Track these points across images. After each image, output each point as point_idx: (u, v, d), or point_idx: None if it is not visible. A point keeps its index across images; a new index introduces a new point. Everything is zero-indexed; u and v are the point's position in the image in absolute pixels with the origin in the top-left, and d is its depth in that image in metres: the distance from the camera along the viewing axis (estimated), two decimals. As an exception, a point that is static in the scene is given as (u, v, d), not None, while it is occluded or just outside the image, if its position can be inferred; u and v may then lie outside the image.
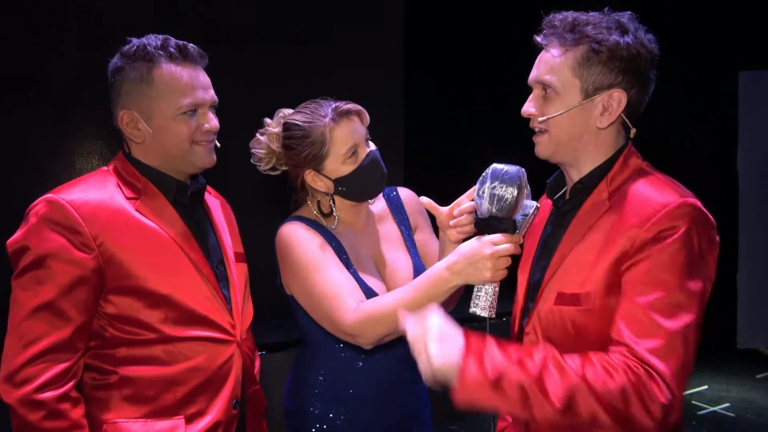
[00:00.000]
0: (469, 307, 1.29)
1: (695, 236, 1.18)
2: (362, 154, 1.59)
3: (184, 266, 1.41)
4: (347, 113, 1.58)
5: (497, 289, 1.28)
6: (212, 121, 1.45)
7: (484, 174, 1.26)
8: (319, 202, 1.65)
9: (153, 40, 1.42)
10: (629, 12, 1.30)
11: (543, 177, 1.46)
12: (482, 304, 1.27)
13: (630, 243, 1.18)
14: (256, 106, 1.95)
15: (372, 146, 1.62)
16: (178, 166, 1.46)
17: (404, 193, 1.78)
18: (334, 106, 1.58)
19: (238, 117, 2.08)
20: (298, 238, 1.55)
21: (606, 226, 1.24)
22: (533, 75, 1.33)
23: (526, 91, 1.37)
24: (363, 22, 4.57)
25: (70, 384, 1.31)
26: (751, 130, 4.95)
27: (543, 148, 1.33)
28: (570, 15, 1.29)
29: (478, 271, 1.26)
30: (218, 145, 1.52)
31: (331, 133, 1.56)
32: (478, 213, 1.28)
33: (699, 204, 1.21)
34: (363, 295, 1.48)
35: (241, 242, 1.66)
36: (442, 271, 1.31)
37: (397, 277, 1.64)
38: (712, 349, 5.21)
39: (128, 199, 1.39)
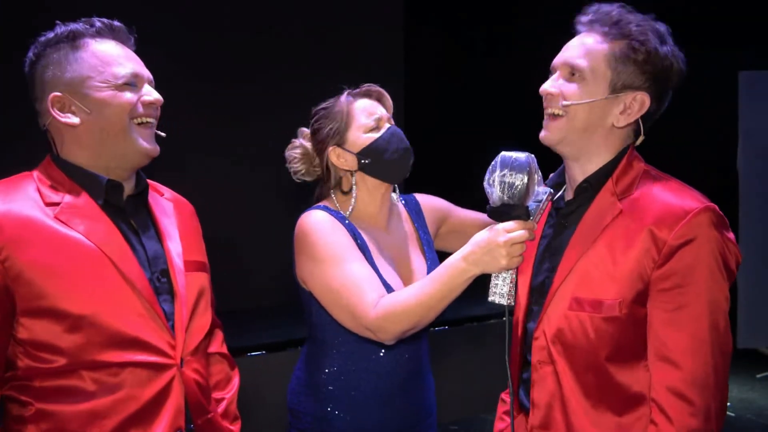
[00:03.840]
0: (487, 296, 1.30)
1: (722, 241, 1.21)
2: (383, 126, 1.62)
3: (111, 280, 1.22)
4: (367, 92, 1.65)
5: (514, 276, 1.29)
6: (154, 93, 1.30)
7: (493, 162, 1.25)
8: (340, 180, 1.65)
9: (74, 23, 1.29)
10: (665, 25, 1.34)
11: (549, 169, 1.45)
12: (500, 292, 1.28)
13: (656, 248, 1.19)
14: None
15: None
16: (118, 152, 1.27)
17: (422, 198, 1.80)
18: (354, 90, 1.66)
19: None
20: (322, 229, 1.53)
21: (622, 230, 1.24)
22: (564, 56, 1.32)
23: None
24: (363, 22, 4.57)
25: None
26: (751, 130, 4.95)
27: (555, 132, 1.31)
28: (616, 9, 1.31)
29: (493, 259, 1.26)
30: (162, 134, 1.36)
31: (351, 107, 1.62)
32: (490, 202, 1.28)
33: (717, 208, 1.24)
34: (384, 290, 1.47)
35: (205, 249, 1.50)
36: (459, 261, 1.32)
37: (413, 279, 1.63)
38: (712, 349, 5.23)
39: (48, 205, 1.21)
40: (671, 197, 1.24)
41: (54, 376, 1.19)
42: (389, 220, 1.68)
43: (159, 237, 1.36)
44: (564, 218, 1.37)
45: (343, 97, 1.64)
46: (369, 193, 1.63)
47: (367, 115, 1.61)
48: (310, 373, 1.64)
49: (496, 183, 1.24)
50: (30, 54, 1.30)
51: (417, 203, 1.78)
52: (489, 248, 1.26)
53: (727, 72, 5.07)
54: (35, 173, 1.28)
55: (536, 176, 1.25)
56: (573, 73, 1.30)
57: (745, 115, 4.95)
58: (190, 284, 1.36)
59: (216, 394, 1.46)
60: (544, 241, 1.41)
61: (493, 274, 1.29)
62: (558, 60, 1.33)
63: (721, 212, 1.24)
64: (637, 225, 1.22)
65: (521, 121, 1.91)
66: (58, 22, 1.31)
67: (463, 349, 3.95)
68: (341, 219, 1.58)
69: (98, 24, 1.29)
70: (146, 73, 1.32)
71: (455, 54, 5.42)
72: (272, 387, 3.00)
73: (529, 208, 1.26)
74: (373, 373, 1.58)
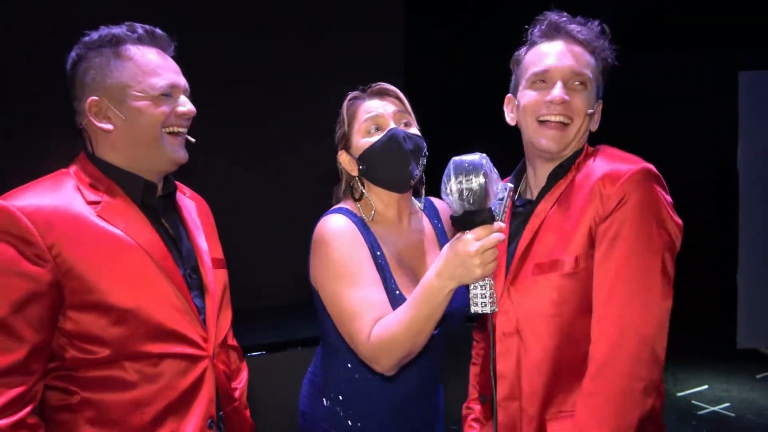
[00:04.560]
0: (470, 308, 1.25)
1: (657, 196, 1.30)
2: (385, 129, 1.52)
3: (152, 276, 1.28)
4: (378, 92, 1.56)
5: (492, 280, 1.23)
6: (187, 105, 1.34)
7: (446, 170, 1.20)
8: (351, 187, 1.59)
9: (117, 27, 1.33)
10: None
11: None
12: (482, 301, 1.22)
13: (601, 204, 1.28)
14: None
15: (410, 129, 1.54)
16: (149, 159, 1.32)
17: (438, 203, 1.72)
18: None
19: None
20: (341, 240, 1.44)
21: (573, 194, 1.34)
22: (569, 64, 1.36)
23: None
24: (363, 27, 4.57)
25: (26, 410, 1.18)
26: (751, 130, 4.95)
27: (562, 141, 1.37)
28: (596, 23, 1.41)
29: (468, 270, 1.21)
30: (192, 140, 1.40)
31: (356, 108, 1.55)
32: (452, 212, 1.23)
33: (654, 168, 1.32)
34: (388, 309, 1.40)
35: (221, 247, 1.54)
36: (433, 279, 1.26)
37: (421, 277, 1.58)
38: (712, 349, 5.23)
39: (89, 203, 1.26)
40: (615, 161, 1.33)
41: (98, 366, 1.24)
42: (409, 226, 1.60)
43: (188, 235, 1.43)
44: (524, 216, 1.41)
45: (348, 100, 1.58)
46: (380, 199, 1.56)
47: (367, 118, 1.52)
48: (323, 377, 1.59)
49: (454, 191, 1.18)
50: (72, 54, 1.33)
51: (435, 207, 1.70)
52: (461, 260, 1.20)
53: (727, 72, 5.07)
54: (72, 171, 1.32)
55: (493, 175, 1.19)
56: (581, 82, 1.36)
57: (745, 115, 4.95)
58: (217, 281, 1.43)
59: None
60: (513, 245, 1.44)
61: (471, 285, 1.23)
62: (560, 66, 1.36)
63: (658, 173, 1.31)
64: (585, 187, 1.32)
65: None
66: (101, 26, 1.35)
67: (463, 352, 3.94)
68: (362, 225, 1.50)
69: (140, 30, 1.33)
70: (182, 84, 1.35)
71: (456, 53, 5.42)
72: (273, 387, 3.00)
73: (493, 210, 1.21)
74: (385, 383, 1.52)
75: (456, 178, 1.17)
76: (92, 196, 1.27)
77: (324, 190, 1.72)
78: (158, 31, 1.36)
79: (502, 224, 1.22)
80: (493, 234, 1.19)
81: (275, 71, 4.27)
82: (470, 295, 1.24)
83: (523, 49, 1.48)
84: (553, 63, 1.37)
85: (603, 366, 1.25)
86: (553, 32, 1.41)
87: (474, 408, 1.60)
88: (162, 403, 1.28)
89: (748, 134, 4.95)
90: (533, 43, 1.45)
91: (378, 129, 1.52)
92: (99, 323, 1.22)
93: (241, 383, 1.55)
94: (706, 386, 4.53)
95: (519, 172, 1.55)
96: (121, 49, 1.30)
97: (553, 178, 1.41)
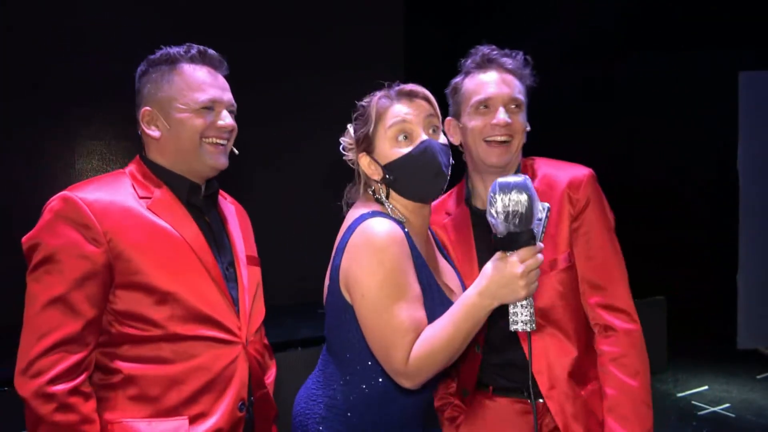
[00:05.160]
0: (509, 325, 1.26)
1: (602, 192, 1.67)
2: (416, 139, 1.42)
3: (192, 265, 1.42)
4: (408, 93, 1.44)
5: (532, 299, 1.26)
6: (227, 119, 1.48)
7: (491, 193, 1.21)
8: (373, 190, 1.49)
9: (176, 47, 1.49)
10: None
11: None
12: (522, 319, 1.24)
13: (572, 207, 1.61)
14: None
15: (440, 137, 1.47)
16: (190, 165, 1.48)
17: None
18: (396, 87, 1.46)
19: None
20: (396, 249, 1.35)
21: (546, 201, 1.54)
22: (507, 92, 1.62)
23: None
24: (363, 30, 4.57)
25: (82, 377, 1.32)
26: (751, 130, 4.95)
27: (508, 154, 1.62)
28: (520, 55, 1.68)
29: (513, 291, 1.22)
30: (236, 151, 1.55)
31: (383, 110, 1.43)
32: (495, 233, 1.23)
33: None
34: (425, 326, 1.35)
35: (256, 248, 1.66)
36: (476, 298, 1.26)
37: (451, 284, 1.54)
38: (712, 350, 5.23)
39: (141, 198, 1.42)
40: (567, 169, 1.66)
41: (141, 343, 1.37)
42: (427, 234, 1.56)
43: (227, 233, 1.57)
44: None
45: (376, 98, 1.45)
46: (407, 208, 1.48)
47: (394, 123, 1.42)
48: (338, 394, 1.46)
49: (500, 213, 1.20)
50: (138, 69, 1.50)
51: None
52: (506, 281, 1.22)
53: (727, 72, 5.07)
54: (128, 171, 1.49)
55: (535, 195, 1.21)
56: (516, 105, 1.63)
57: (745, 115, 4.96)
58: (251, 276, 1.56)
59: None
60: (478, 244, 1.67)
61: (512, 304, 1.24)
62: (500, 94, 1.62)
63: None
64: (556, 194, 1.62)
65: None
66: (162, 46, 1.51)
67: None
68: (403, 230, 1.41)
69: (193, 51, 1.48)
70: (226, 99, 1.50)
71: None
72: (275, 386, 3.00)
73: (534, 231, 1.23)
74: (413, 392, 1.43)
75: (502, 199, 1.19)
76: (144, 192, 1.44)
77: (325, 191, 1.71)
78: (210, 51, 1.51)
79: (542, 245, 1.25)
80: (537, 255, 1.23)
81: (275, 71, 4.27)
82: (510, 314, 1.25)
83: (459, 78, 1.71)
84: (494, 91, 1.62)
85: (627, 331, 1.58)
86: (486, 63, 1.65)
87: (449, 398, 1.75)
88: (197, 383, 1.40)
89: (748, 134, 4.95)
90: (468, 73, 1.68)
91: (407, 138, 1.43)
92: (143, 303, 1.36)
93: (269, 379, 1.65)
94: (706, 387, 4.53)
95: (466, 189, 1.76)
96: (175, 67, 1.46)
97: None
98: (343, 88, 1.70)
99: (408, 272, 1.36)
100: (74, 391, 1.30)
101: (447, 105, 1.75)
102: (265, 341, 1.69)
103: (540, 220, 1.26)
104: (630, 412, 1.52)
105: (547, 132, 3.96)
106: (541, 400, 1.60)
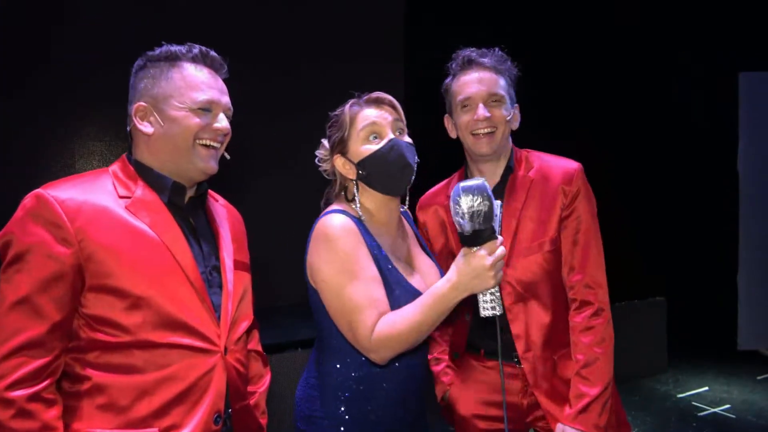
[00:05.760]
0: (479, 312, 1.40)
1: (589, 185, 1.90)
2: (385, 138, 1.60)
3: (170, 269, 1.36)
4: (375, 100, 1.63)
5: (499, 287, 1.41)
6: (223, 122, 1.45)
7: (454, 197, 1.35)
8: (345, 189, 1.66)
9: (178, 45, 1.46)
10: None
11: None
12: (491, 305, 1.39)
13: (565, 197, 1.81)
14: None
15: (404, 137, 1.63)
16: (180, 165, 1.43)
17: (409, 212, 1.82)
18: (365, 96, 1.64)
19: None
20: (347, 238, 1.51)
21: (539, 191, 1.84)
22: (484, 89, 1.80)
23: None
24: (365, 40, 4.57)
25: (45, 383, 1.26)
26: (751, 131, 4.96)
27: (493, 143, 1.81)
28: (497, 51, 1.85)
29: (483, 282, 1.37)
30: (227, 156, 1.52)
31: (354, 115, 1.61)
32: (462, 232, 1.37)
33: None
34: (388, 307, 1.49)
35: (249, 253, 1.63)
36: (447, 290, 1.40)
37: (429, 279, 1.64)
38: (712, 351, 5.22)
39: (121, 197, 1.37)
40: (560, 162, 1.87)
41: (112, 350, 1.31)
42: (396, 226, 1.69)
43: (214, 236, 1.52)
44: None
45: (348, 106, 1.63)
46: (374, 201, 1.64)
47: (367, 125, 1.59)
48: (321, 379, 1.60)
49: (466, 214, 1.34)
50: (135, 64, 1.47)
51: (408, 215, 1.82)
52: (476, 273, 1.37)
53: (727, 72, 5.07)
54: (111, 170, 1.44)
55: (492, 195, 1.35)
56: (495, 99, 1.81)
57: (745, 115, 4.96)
58: (237, 281, 1.50)
59: (249, 388, 1.58)
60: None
61: (481, 292, 1.39)
62: (479, 92, 1.81)
63: None
64: (551, 185, 1.83)
65: (522, 121, 1.92)
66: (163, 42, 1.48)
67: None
68: (360, 225, 1.57)
69: (195, 50, 1.46)
70: (224, 103, 1.46)
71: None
72: (272, 388, 2.97)
73: (494, 227, 1.38)
74: (390, 375, 1.57)
75: (466, 201, 1.34)
76: (124, 192, 1.39)
77: (324, 191, 1.73)
78: (213, 53, 1.48)
79: (502, 238, 1.42)
80: (501, 248, 1.38)
81: (274, 70, 4.27)
82: (480, 302, 1.40)
83: (447, 80, 1.90)
84: (472, 90, 1.81)
85: (601, 308, 1.80)
86: (467, 64, 1.84)
87: (442, 358, 1.98)
88: (169, 393, 1.33)
89: (748, 134, 4.95)
90: (454, 75, 1.88)
91: (377, 137, 1.60)
92: (114, 307, 1.30)
93: (261, 388, 1.63)
94: (706, 388, 4.53)
95: (465, 175, 1.95)
96: (175, 64, 1.43)
97: (506, 174, 1.88)
98: (344, 89, 1.71)
99: (360, 257, 1.51)
100: (35, 397, 1.24)
101: (445, 104, 1.94)
102: (259, 348, 1.65)
103: (497, 216, 1.39)
104: (593, 374, 1.76)
105: (546, 131, 3.96)
106: (517, 362, 1.83)
